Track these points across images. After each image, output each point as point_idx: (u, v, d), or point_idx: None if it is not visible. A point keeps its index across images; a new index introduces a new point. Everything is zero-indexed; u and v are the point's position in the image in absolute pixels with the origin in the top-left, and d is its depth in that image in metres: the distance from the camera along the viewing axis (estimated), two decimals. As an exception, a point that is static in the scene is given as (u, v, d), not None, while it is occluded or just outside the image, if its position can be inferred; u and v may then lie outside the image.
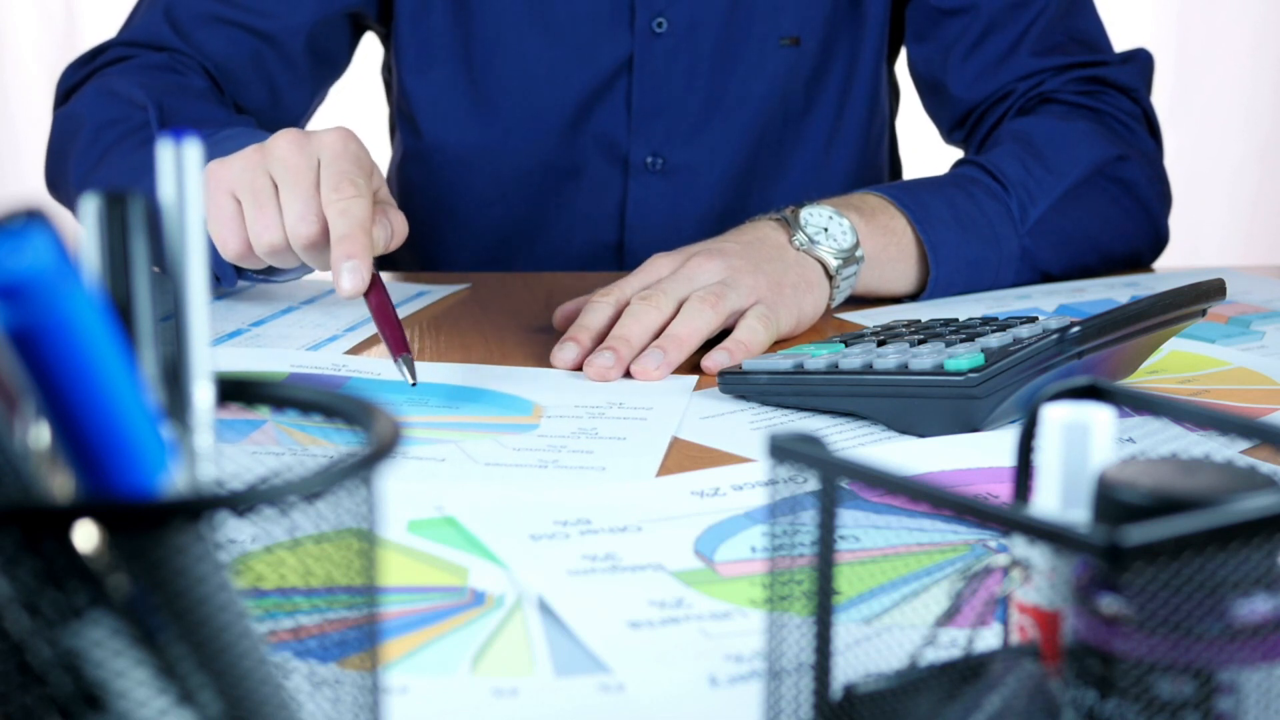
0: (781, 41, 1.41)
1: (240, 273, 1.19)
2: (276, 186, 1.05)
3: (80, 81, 1.36)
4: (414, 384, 0.98)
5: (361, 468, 0.44)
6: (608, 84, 1.40)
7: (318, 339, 1.13)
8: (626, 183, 1.43)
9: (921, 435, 0.92)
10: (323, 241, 1.04)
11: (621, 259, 1.43)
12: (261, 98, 1.37)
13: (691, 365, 1.06)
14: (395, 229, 1.06)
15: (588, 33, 1.39)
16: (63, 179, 1.31)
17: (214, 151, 1.12)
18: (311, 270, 1.15)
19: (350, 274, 1.00)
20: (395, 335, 1.00)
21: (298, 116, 1.43)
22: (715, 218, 1.41)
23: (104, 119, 1.28)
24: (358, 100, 1.94)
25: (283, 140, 1.05)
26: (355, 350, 1.11)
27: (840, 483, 0.50)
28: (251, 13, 1.35)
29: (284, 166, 1.04)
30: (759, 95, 1.42)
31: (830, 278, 1.16)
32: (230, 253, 1.08)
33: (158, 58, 1.34)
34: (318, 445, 0.87)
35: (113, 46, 1.37)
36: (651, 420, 0.95)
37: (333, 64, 1.43)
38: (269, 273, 1.18)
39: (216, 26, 1.35)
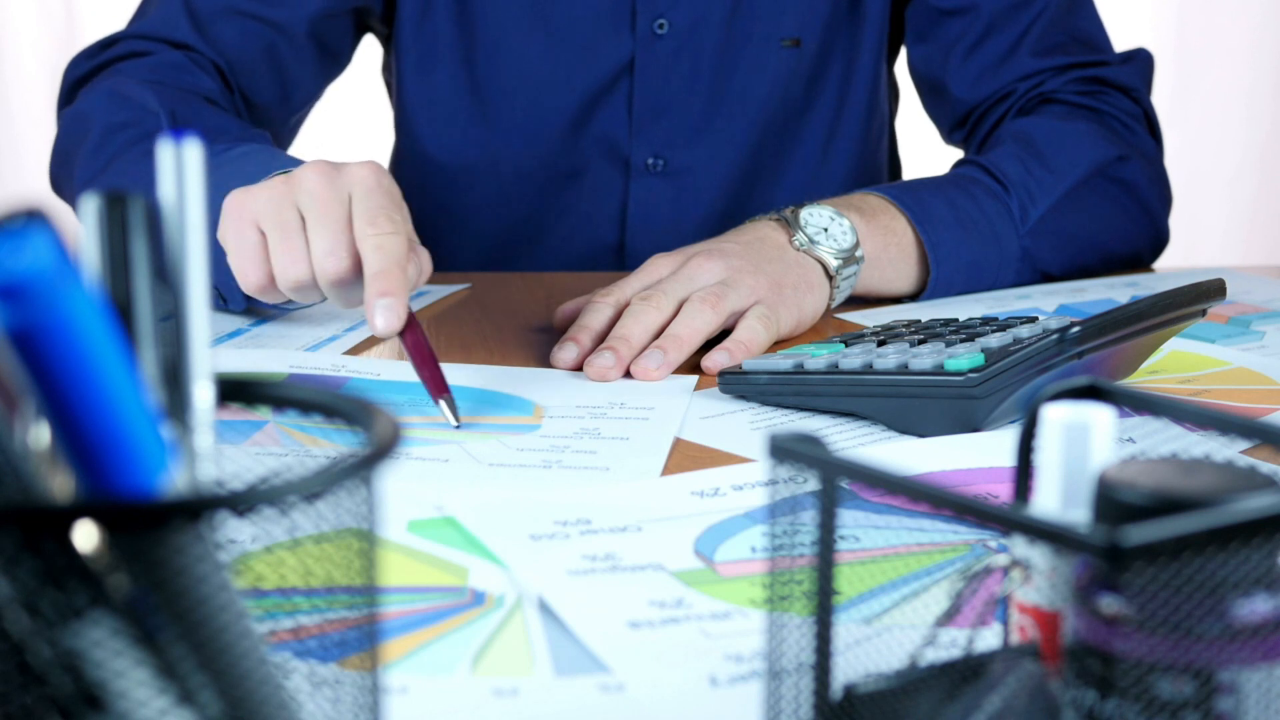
0: (782, 43, 1.41)
1: (249, 299, 1.14)
2: (304, 219, 1.01)
3: (88, 74, 1.34)
4: (457, 426, 0.94)
5: (361, 468, 0.44)
6: (609, 86, 1.40)
7: (318, 338, 1.13)
8: (627, 184, 1.43)
9: (921, 435, 0.92)
10: (351, 278, 1.00)
11: (623, 260, 1.43)
12: (273, 91, 1.37)
13: (692, 365, 1.06)
14: (424, 267, 1.03)
15: (589, 35, 1.39)
16: (68, 180, 1.29)
17: (229, 169, 1.09)
18: (324, 301, 1.10)
19: (385, 312, 0.96)
20: (434, 376, 0.96)
21: (302, 112, 1.43)
22: (716, 219, 1.41)
23: (113, 122, 1.25)
24: (358, 102, 1.94)
25: (311, 172, 1.02)
26: (354, 351, 1.11)
27: (840, 483, 0.50)
28: (265, 3, 1.35)
29: (313, 199, 1.01)
30: (760, 96, 1.42)
31: (830, 278, 1.16)
32: (251, 285, 1.04)
33: (173, 56, 1.32)
34: (319, 446, 0.87)
35: (124, 39, 1.35)
36: (654, 420, 0.95)
37: (335, 58, 1.42)
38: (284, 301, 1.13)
39: (234, 19, 1.34)
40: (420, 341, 0.98)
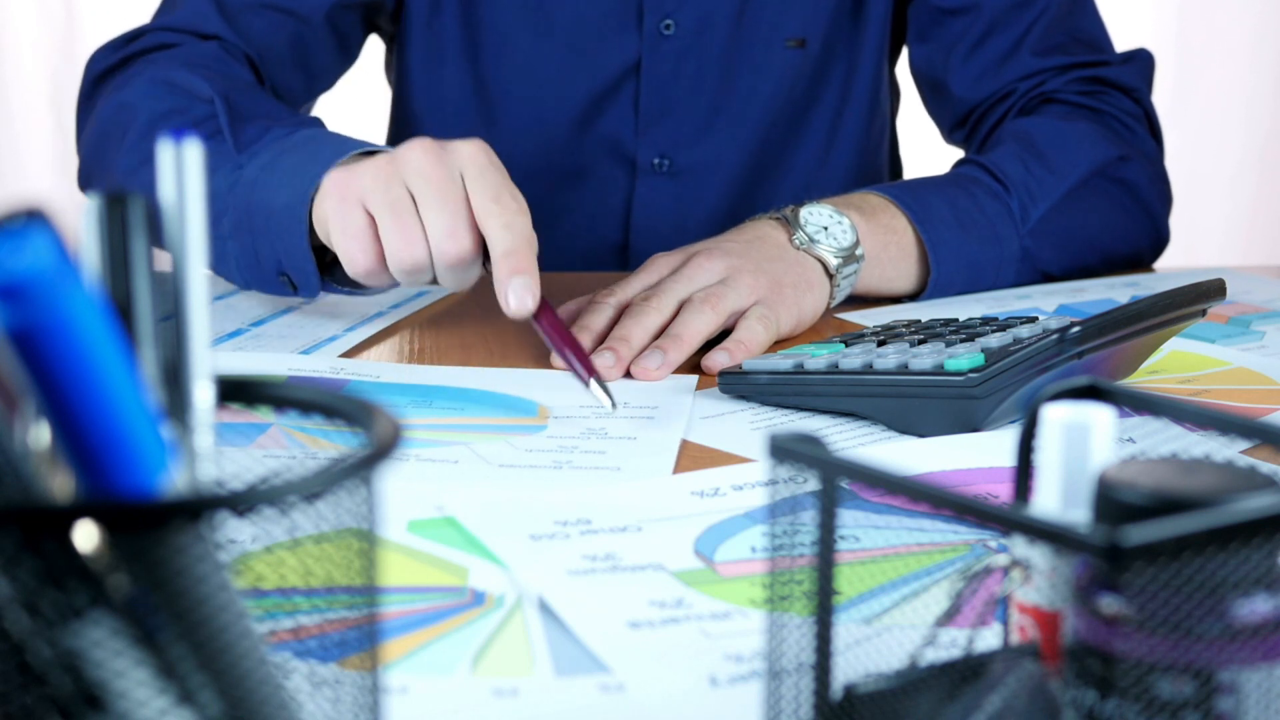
0: (787, 43, 1.42)
1: (324, 284, 1.12)
2: (415, 199, 0.99)
3: (114, 67, 1.31)
4: (614, 408, 0.93)
5: (361, 468, 0.44)
6: (615, 86, 1.41)
7: (318, 339, 1.13)
8: (633, 184, 1.43)
9: (921, 435, 0.92)
10: (471, 259, 0.99)
11: (626, 259, 1.44)
12: (299, 83, 1.36)
13: (692, 365, 1.06)
14: (535, 249, 1.01)
15: (595, 35, 1.39)
16: (104, 172, 1.25)
17: (300, 154, 1.08)
18: (398, 285, 1.08)
19: (520, 290, 0.95)
20: (581, 357, 0.95)
21: (309, 104, 1.42)
22: (720, 218, 1.41)
23: (160, 110, 1.21)
24: (354, 103, 1.93)
25: (418, 150, 0.99)
26: (352, 353, 1.10)
27: (840, 483, 0.50)
28: None
29: (423, 179, 0.98)
30: (765, 97, 1.42)
31: (830, 276, 1.16)
32: (359, 269, 1.01)
33: (206, 47, 1.30)
34: (324, 448, 0.87)
35: (151, 31, 1.32)
36: (659, 419, 0.95)
37: (348, 50, 1.42)
38: (358, 287, 1.12)
39: (261, 12, 1.33)
40: (557, 322, 0.96)
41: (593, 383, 0.93)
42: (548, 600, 0.71)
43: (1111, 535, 0.44)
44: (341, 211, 1.01)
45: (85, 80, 1.34)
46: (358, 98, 1.92)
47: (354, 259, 1.01)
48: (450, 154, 0.99)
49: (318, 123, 1.19)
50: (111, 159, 1.23)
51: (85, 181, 1.30)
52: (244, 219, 1.11)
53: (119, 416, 0.41)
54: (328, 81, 1.42)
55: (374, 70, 1.56)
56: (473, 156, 0.99)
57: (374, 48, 1.52)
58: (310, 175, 1.05)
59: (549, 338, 0.96)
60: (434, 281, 1.03)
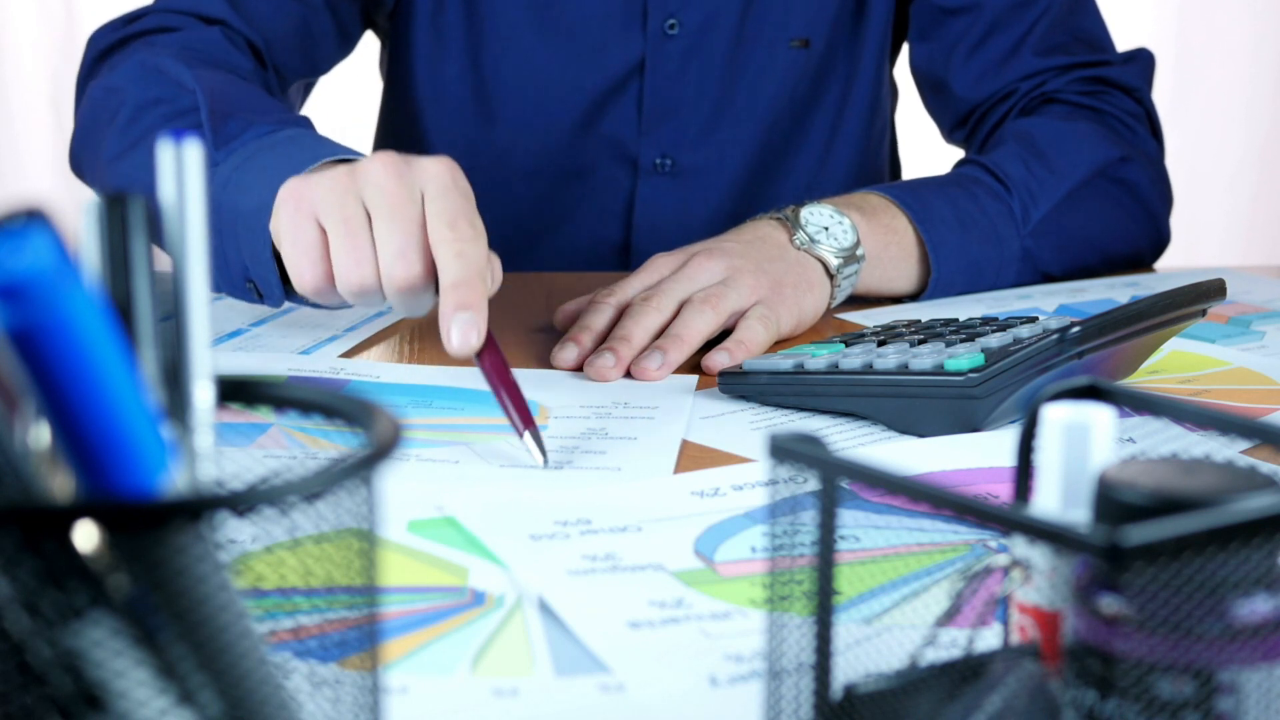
0: (791, 44, 1.42)
1: (289, 294, 1.05)
2: (369, 216, 0.92)
3: (114, 45, 1.29)
4: (545, 464, 0.86)
5: (361, 468, 0.44)
6: (619, 86, 1.41)
7: (318, 339, 1.13)
8: (634, 184, 1.43)
9: (921, 435, 0.92)
10: (422, 285, 0.91)
11: (627, 259, 1.44)
12: (304, 68, 1.35)
13: (692, 365, 1.06)
14: (497, 276, 0.94)
15: (599, 35, 1.39)
16: (93, 156, 1.22)
17: (276, 154, 1.05)
18: (352, 306, 1.03)
19: (464, 327, 0.88)
20: (519, 406, 0.88)
21: (316, 82, 1.42)
22: (722, 219, 1.41)
23: (147, 97, 1.18)
24: (345, 103, 1.94)
25: (378, 163, 0.92)
26: (352, 353, 1.10)
27: (840, 483, 0.50)
28: None
29: (380, 194, 0.91)
30: (768, 97, 1.42)
31: (831, 277, 1.16)
32: (306, 286, 0.95)
33: (207, 32, 1.27)
34: (324, 448, 0.87)
35: (153, 13, 1.30)
36: (659, 419, 0.95)
37: (348, 39, 1.41)
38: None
39: None
40: (500, 365, 0.90)
41: (527, 435, 0.88)
42: (548, 600, 0.71)
43: (1111, 535, 0.44)
44: (293, 224, 0.95)
45: (85, 58, 1.31)
46: (353, 95, 1.92)
47: (302, 275, 0.95)
48: (413, 171, 0.92)
49: (304, 122, 1.14)
50: (98, 142, 1.22)
51: (75, 161, 1.29)
52: (214, 219, 1.05)
53: (119, 416, 0.41)
54: (327, 67, 1.41)
55: (370, 66, 1.56)
56: (436, 176, 0.92)
57: (367, 44, 1.52)
58: (281, 180, 0.99)
59: (489, 381, 0.90)
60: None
